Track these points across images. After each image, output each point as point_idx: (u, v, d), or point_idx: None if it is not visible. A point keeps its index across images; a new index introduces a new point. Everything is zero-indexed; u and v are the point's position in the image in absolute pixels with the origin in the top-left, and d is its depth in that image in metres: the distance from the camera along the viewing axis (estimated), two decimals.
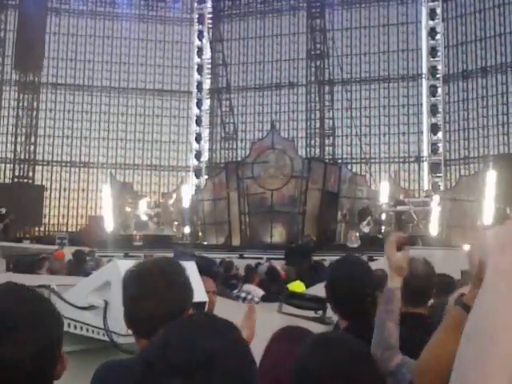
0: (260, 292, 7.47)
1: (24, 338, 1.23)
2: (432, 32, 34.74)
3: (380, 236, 24.43)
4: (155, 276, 1.91)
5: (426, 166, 34.72)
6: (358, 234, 25.34)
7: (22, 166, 37.10)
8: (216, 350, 1.07)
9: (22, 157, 37.07)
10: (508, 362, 0.91)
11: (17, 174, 36.94)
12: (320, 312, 4.43)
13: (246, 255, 20.95)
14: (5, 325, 1.23)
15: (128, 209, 30.94)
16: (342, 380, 1.37)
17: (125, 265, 2.54)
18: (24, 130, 37.33)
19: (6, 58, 37.64)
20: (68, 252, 13.15)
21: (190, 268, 2.56)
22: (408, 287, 2.48)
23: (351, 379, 1.38)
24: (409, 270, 2.58)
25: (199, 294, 2.61)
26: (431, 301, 3.04)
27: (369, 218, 25.71)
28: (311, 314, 4.62)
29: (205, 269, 3.74)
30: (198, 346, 1.07)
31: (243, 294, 6.97)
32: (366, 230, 25.59)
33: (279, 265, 11.70)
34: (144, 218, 29.53)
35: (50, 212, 37.01)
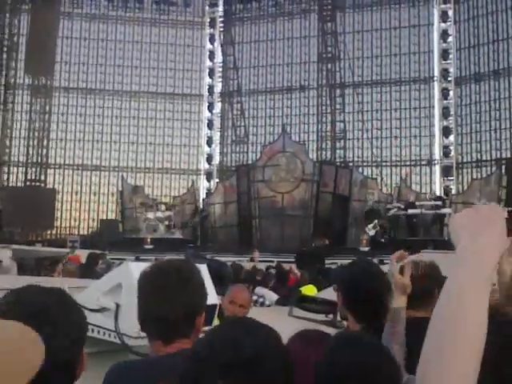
0: (273, 296, 7.46)
1: (64, 329, 1.30)
2: (444, 34, 34.63)
3: (382, 240, 24.34)
4: (170, 277, 1.91)
5: (437, 169, 34.57)
6: (368, 238, 25.23)
7: (34, 169, 37.32)
8: (261, 349, 1.16)
9: (35, 160, 37.30)
10: (476, 341, 0.90)
11: (29, 177, 37.16)
12: (331, 315, 4.42)
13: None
14: (47, 316, 1.29)
15: (139, 212, 31.02)
16: (365, 374, 1.37)
17: (136, 267, 2.55)
18: (36, 133, 37.57)
19: (18, 62, 37.94)
20: (80, 254, 13.22)
21: (202, 270, 2.56)
22: (412, 290, 2.46)
23: (374, 373, 1.38)
24: (413, 272, 2.57)
25: (210, 296, 2.61)
26: None
27: (375, 221, 25.59)
28: (322, 317, 4.61)
29: (216, 271, 3.74)
30: (245, 344, 1.15)
31: (255, 297, 6.97)
32: (372, 232, 25.47)
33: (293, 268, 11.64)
34: (155, 221, 29.58)
35: (61, 215, 37.21)
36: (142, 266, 2.24)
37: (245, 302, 3.90)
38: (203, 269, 2.74)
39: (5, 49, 37.74)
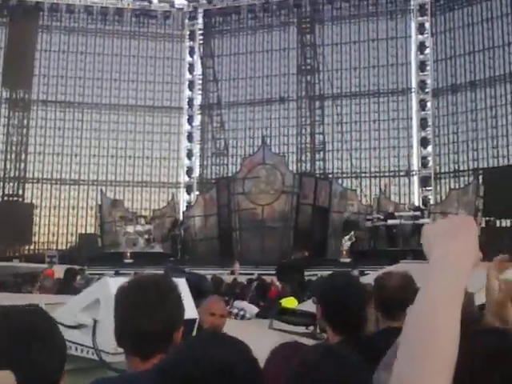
0: (254, 309, 7.44)
1: (50, 351, 1.29)
2: (421, 46, 35.11)
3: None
4: (148, 292, 1.89)
5: (416, 179, 34.89)
6: (348, 249, 25.31)
7: (11, 183, 36.94)
8: (229, 362, 1.15)
9: (12, 174, 36.92)
10: (447, 356, 0.87)
11: (6, 191, 36.77)
12: (311, 327, 4.41)
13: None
14: (34, 337, 1.28)
15: (118, 226, 30.81)
16: None
17: (114, 282, 2.52)
18: (14, 147, 37.23)
19: None
20: (58, 270, 13.07)
21: (181, 285, 2.54)
22: (385, 301, 2.47)
23: None
24: (385, 283, 2.58)
25: (189, 310, 2.59)
26: None
27: (352, 232, 25.69)
28: (303, 329, 4.60)
29: (196, 285, 3.71)
30: (213, 357, 1.14)
31: (235, 310, 6.94)
32: (348, 244, 25.59)
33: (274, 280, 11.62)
34: (134, 235, 29.40)
35: (39, 230, 36.79)
36: (121, 281, 2.22)
37: (224, 312, 3.92)
38: (182, 283, 2.72)
39: None
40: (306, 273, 16.39)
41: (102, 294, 2.66)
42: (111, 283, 2.60)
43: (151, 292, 1.89)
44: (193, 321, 2.69)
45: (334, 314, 2.25)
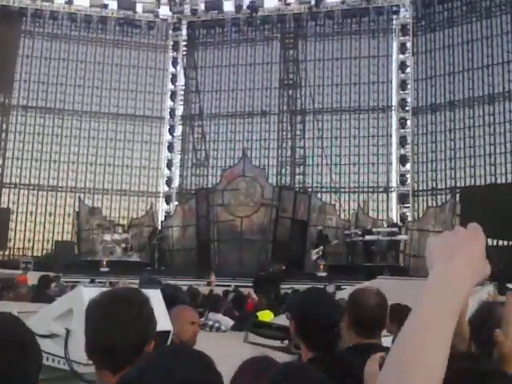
0: (229, 321, 7.42)
1: (28, 359, 1.31)
2: (402, 65, 35.55)
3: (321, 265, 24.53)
4: (119, 305, 1.88)
5: (394, 196, 35.18)
6: (325, 263, 25.35)
7: None
8: (193, 376, 1.14)
9: None
10: (434, 378, 0.84)
11: None
12: (286, 341, 4.41)
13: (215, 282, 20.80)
14: (12, 345, 1.29)
15: (95, 234, 30.57)
16: None
17: (89, 292, 2.51)
18: None
19: None
20: (32, 277, 12.92)
21: (155, 296, 2.54)
22: (360, 319, 2.49)
23: None
24: (360, 301, 2.60)
25: (164, 322, 2.58)
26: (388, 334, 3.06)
27: (320, 247, 25.74)
28: (277, 343, 4.60)
29: (170, 297, 3.71)
30: (175, 371, 1.13)
31: (210, 323, 6.91)
32: (314, 257, 25.68)
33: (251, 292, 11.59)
34: (112, 243, 29.19)
35: (15, 236, 36.33)
36: (95, 291, 2.21)
37: (198, 320, 3.94)
38: (157, 294, 2.71)
39: None
40: (282, 286, 16.39)
41: (76, 304, 2.64)
42: (85, 293, 2.58)
43: (122, 305, 1.88)
44: (167, 333, 2.68)
45: (307, 330, 2.26)
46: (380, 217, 33.57)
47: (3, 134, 37.30)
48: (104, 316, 1.87)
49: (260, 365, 1.83)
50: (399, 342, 0.88)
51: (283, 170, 36.71)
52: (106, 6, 38.58)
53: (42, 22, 38.37)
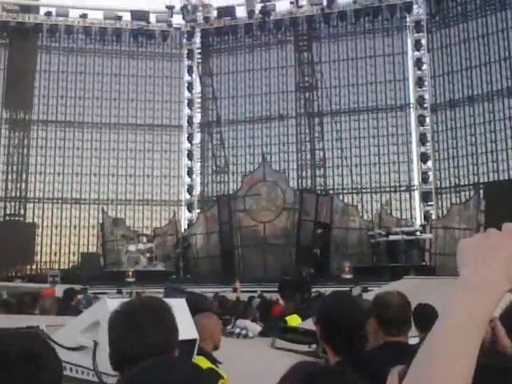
0: (257, 327, 7.40)
1: (45, 376, 1.29)
2: (418, 62, 35.30)
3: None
4: (140, 316, 1.89)
5: (417, 194, 34.91)
6: (349, 265, 25.20)
7: (13, 203, 36.99)
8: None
9: (13, 194, 36.99)
10: None
11: (8, 212, 36.81)
12: (314, 346, 4.39)
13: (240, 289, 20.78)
14: (29, 361, 1.28)
15: (120, 245, 30.78)
16: None
17: (114, 304, 2.52)
18: (15, 167, 37.34)
19: None
20: (60, 290, 13.01)
21: (180, 305, 2.54)
22: (386, 318, 2.48)
23: None
24: (385, 301, 2.59)
25: (189, 331, 2.58)
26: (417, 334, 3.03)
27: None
28: (305, 347, 4.58)
29: (195, 305, 3.71)
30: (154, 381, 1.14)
31: (237, 330, 6.90)
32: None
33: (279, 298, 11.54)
34: (136, 253, 29.36)
35: (41, 250, 36.76)
36: (119, 302, 2.22)
37: (221, 327, 3.95)
38: (182, 303, 2.71)
39: None
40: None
41: (102, 316, 2.65)
42: (111, 305, 2.59)
43: (144, 314, 1.89)
44: (192, 341, 2.68)
45: (331, 334, 2.25)
46: (403, 216, 33.36)
47: (25, 150, 37.78)
48: (126, 325, 1.87)
49: (309, 370, 1.81)
50: (425, 349, 0.86)
51: (303, 173, 36.63)
52: (119, 18, 38.97)
53: (57, 36, 38.86)
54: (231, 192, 34.00)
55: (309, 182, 36.41)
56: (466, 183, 33.33)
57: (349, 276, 24.14)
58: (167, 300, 2.14)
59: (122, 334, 1.83)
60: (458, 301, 0.86)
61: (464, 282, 0.88)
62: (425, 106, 34.91)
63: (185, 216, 37.68)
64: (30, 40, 38.09)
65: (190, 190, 38.28)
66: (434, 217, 32.69)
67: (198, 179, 39.02)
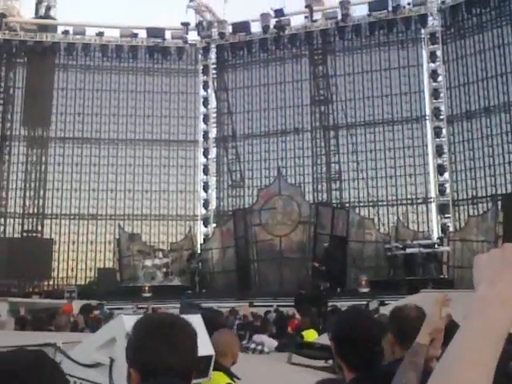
0: (273, 343, 7.36)
1: None
2: (434, 74, 35.22)
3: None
4: (161, 330, 1.88)
5: (434, 207, 34.65)
6: (366, 279, 25.01)
7: (30, 220, 37.31)
8: None
9: (31, 211, 37.31)
10: None
11: (26, 228, 37.12)
12: (330, 361, 4.36)
13: (256, 303, 20.71)
14: (34, 381, 1.28)
15: (136, 260, 30.87)
16: None
17: (130, 321, 2.52)
18: (33, 184, 37.71)
19: (15, 115, 38.30)
20: (77, 305, 13.07)
21: (196, 321, 2.53)
22: (403, 332, 2.46)
23: None
24: (401, 315, 2.58)
25: (205, 347, 2.57)
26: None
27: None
28: (321, 363, 4.55)
29: (211, 321, 3.70)
30: None
31: (253, 345, 6.87)
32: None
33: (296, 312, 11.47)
34: (153, 268, 29.41)
35: (58, 265, 36.98)
36: (136, 319, 2.22)
37: (237, 343, 3.94)
38: (197, 319, 2.71)
39: (1, 101, 38.20)
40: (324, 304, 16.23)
41: (118, 333, 2.66)
42: (127, 322, 2.60)
43: (164, 330, 1.88)
44: (209, 357, 2.67)
45: (346, 350, 2.23)
46: (420, 229, 33.10)
47: (43, 166, 38.15)
48: (144, 341, 1.87)
49: None
50: (443, 359, 0.86)
51: (319, 187, 36.55)
52: (135, 36, 39.37)
53: (74, 54, 39.35)
54: (247, 206, 33.97)
55: (324, 195, 36.31)
56: (484, 195, 33.03)
57: (365, 290, 23.96)
58: (184, 316, 2.14)
59: (140, 350, 1.82)
60: (474, 315, 0.87)
61: (480, 296, 0.88)
62: (441, 117, 34.77)
63: (201, 230, 37.78)
64: (48, 58, 38.62)
65: (205, 204, 38.36)
66: (451, 229, 32.41)
67: (213, 194, 39.12)
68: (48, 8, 40.81)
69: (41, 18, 40.45)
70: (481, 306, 0.87)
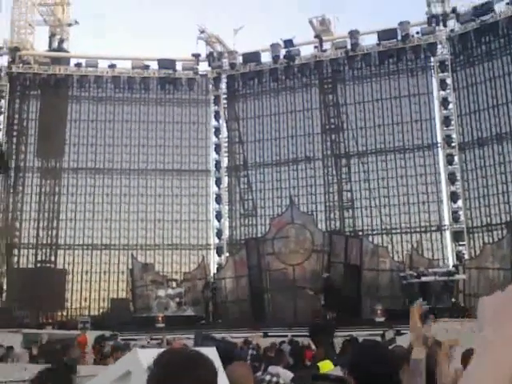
0: (289, 374, 7.24)
1: None
2: (444, 102, 35.28)
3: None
4: (184, 367, 1.87)
5: (448, 234, 34.36)
6: (381, 308, 24.75)
7: (44, 250, 37.43)
8: None
9: (45, 241, 37.46)
10: None
11: (39, 258, 37.23)
12: None
13: (270, 333, 20.54)
14: None
15: (150, 290, 30.81)
16: None
17: (145, 354, 2.50)
18: (46, 214, 37.91)
19: (28, 146, 38.73)
20: (91, 336, 13.02)
21: (212, 355, 2.50)
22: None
23: None
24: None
25: (220, 381, 2.54)
26: None
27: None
28: None
29: (226, 354, 3.66)
30: None
31: (268, 377, 6.76)
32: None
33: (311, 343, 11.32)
34: (166, 298, 29.32)
35: (72, 296, 36.94)
36: (151, 352, 2.20)
37: (251, 376, 3.88)
38: (213, 352, 2.68)
39: (15, 133, 38.68)
40: (340, 333, 16.05)
41: (133, 367, 2.63)
42: (142, 355, 2.57)
43: (188, 367, 1.86)
44: None
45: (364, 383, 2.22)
46: (435, 256, 32.82)
47: (56, 197, 38.40)
48: (167, 378, 1.84)
49: None
50: None
51: (332, 215, 36.43)
52: (147, 67, 39.90)
53: (87, 86, 39.86)
54: (259, 235, 33.94)
55: (337, 223, 36.17)
56: (498, 222, 32.73)
57: (381, 319, 23.72)
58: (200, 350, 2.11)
59: None
60: (475, 363, 0.87)
61: (485, 340, 0.88)
62: (452, 144, 34.71)
63: (214, 260, 37.68)
64: (61, 90, 39.18)
65: (218, 233, 38.34)
66: (466, 257, 32.11)
67: (226, 223, 39.06)
68: (61, 41, 41.58)
69: (54, 50, 41.18)
70: (481, 348, 0.88)
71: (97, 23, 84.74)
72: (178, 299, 29.53)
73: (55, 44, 41.56)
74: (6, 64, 39.01)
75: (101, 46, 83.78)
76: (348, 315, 24.50)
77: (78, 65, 39.57)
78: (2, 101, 38.80)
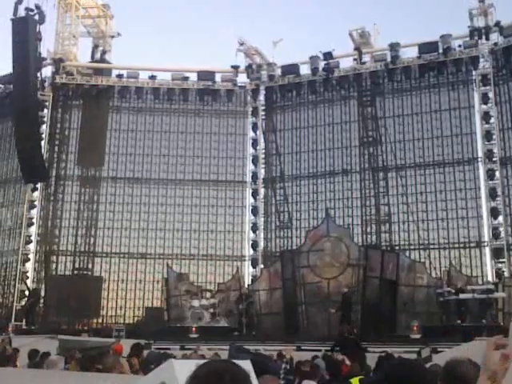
0: None
1: None
2: (486, 116, 34.68)
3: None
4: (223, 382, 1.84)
5: (487, 251, 33.63)
6: (418, 324, 24.33)
7: (82, 258, 38.00)
8: None
9: (83, 249, 38.03)
10: None
11: (77, 265, 37.80)
12: None
13: (303, 347, 20.38)
14: None
15: (184, 300, 30.93)
16: None
17: (180, 365, 2.48)
18: (84, 222, 38.52)
19: (69, 155, 39.49)
20: (124, 344, 13.08)
21: (247, 368, 2.47)
22: None
23: None
24: (456, 375, 2.45)
25: None
26: None
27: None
28: None
29: (261, 367, 3.62)
30: None
31: None
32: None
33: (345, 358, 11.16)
34: (200, 309, 29.39)
35: (107, 303, 37.36)
36: (186, 364, 2.18)
37: None
38: (247, 365, 2.64)
39: (57, 142, 39.48)
40: (375, 349, 15.82)
41: (168, 378, 2.62)
42: (176, 367, 2.56)
43: (226, 381, 1.84)
44: None
45: None
46: (474, 273, 32.15)
47: (94, 205, 39.00)
48: None
49: None
50: None
51: (368, 229, 36.07)
52: (186, 79, 40.35)
53: (128, 97, 40.49)
54: (295, 247, 33.82)
55: (374, 237, 35.79)
56: None
57: (417, 336, 23.32)
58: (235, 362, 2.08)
59: None
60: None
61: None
62: (494, 159, 34.06)
63: (248, 271, 37.65)
64: (102, 101, 39.91)
65: (254, 245, 38.33)
66: (506, 274, 31.37)
67: (261, 234, 39.05)
68: (103, 52, 42.42)
69: (96, 62, 42.03)
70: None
71: (139, 35, 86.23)
72: (211, 310, 29.58)
73: (98, 55, 42.42)
74: (49, 75, 39.97)
75: (142, 56, 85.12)
76: (383, 331, 24.19)
77: (120, 76, 40.27)
78: (46, 110, 39.70)
